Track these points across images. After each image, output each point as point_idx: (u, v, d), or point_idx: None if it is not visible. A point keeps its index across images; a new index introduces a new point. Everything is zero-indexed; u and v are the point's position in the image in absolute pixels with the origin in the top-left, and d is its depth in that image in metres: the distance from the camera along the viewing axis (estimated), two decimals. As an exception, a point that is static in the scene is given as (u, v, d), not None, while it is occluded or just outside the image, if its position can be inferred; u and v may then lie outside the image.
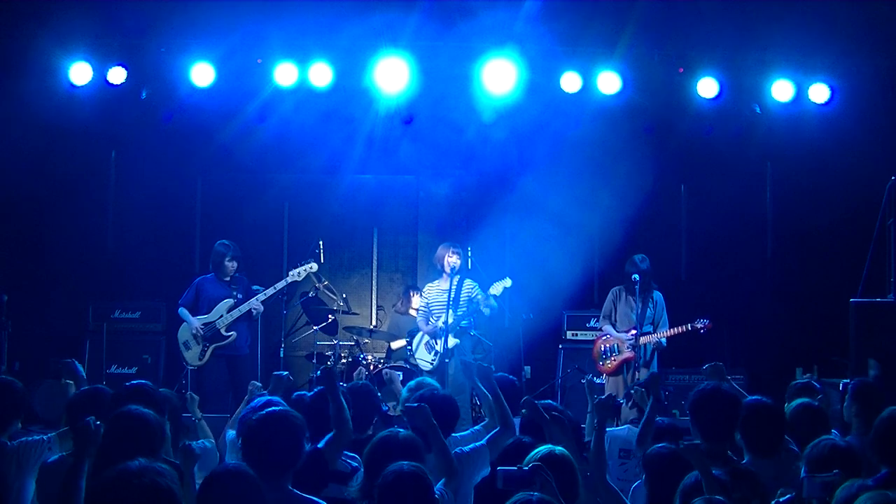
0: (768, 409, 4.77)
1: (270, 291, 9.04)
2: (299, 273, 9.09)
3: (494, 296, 8.83)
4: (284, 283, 9.08)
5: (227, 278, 9.06)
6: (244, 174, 11.15)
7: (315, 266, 9.19)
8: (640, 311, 8.91)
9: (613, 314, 9.22)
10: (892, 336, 7.46)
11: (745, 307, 10.63)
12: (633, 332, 8.92)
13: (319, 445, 4.84)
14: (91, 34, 9.47)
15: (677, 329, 8.92)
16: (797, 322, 10.41)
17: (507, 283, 8.89)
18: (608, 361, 9.12)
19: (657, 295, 9.13)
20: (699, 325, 8.80)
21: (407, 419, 4.78)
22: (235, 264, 9.05)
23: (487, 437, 5.16)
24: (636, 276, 8.85)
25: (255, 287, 9.21)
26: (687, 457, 3.99)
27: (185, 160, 10.83)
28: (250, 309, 8.94)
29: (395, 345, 10.15)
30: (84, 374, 6.04)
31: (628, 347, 8.95)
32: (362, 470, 4.47)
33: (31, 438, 4.89)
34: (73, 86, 9.51)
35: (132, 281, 10.33)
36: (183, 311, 9.01)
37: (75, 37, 9.42)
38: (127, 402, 4.37)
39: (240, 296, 8.98)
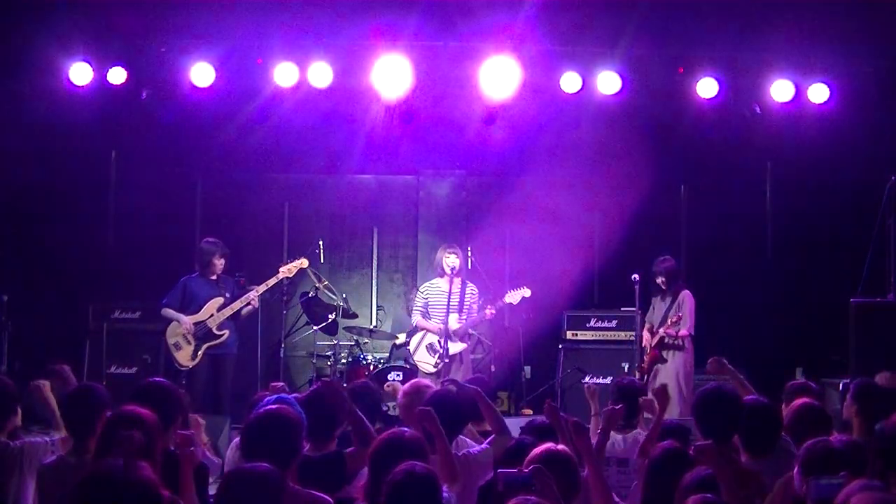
0: (765, 408, 4.83)
1: (262, 288, 8.97)
2: (289, 269, 9.05)
3: (511, 304, 8.88)
4: (276, 280, 9.01)
5: (214, 277, 8.97)
6: (244, 174, 11.15)
7: (306, 262, 9.17)
8: (666, 310, 9.01)
9: (651, 316, 9.29)
10: (892, 336, 7.47)
11: (745, 307, 10.63)
12: (648, 333, 9.12)
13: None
14: (91, 34, 9.46)
15: (663, 330, 8.98)
16: (797, 322, 10.42)
17: (527, 292, 8.95)
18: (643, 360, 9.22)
19: (683, 295, 9.11)
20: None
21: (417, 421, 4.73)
22: (223, 262, 8.98)
23: (488, 439, 5.17)
24: (662, 279, 9.00)
25: (248, 288, 9.16)
26: (702, 459, 3.96)
27: (185, 160, 10.83)
28: (239, 308, 8.86)
29: (398, 340, 10.17)
30: (73, 379, 6.06)
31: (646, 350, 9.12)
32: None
33: (35, 440, 4.89)
34: (73, 86, 9.50)
35: (132, 281, 10.31)
36: (169, 311, 8.90)
37: (75, 37, 9.40)
38: (143, 401, 4.34)
39: (228, 294, 8.90)
